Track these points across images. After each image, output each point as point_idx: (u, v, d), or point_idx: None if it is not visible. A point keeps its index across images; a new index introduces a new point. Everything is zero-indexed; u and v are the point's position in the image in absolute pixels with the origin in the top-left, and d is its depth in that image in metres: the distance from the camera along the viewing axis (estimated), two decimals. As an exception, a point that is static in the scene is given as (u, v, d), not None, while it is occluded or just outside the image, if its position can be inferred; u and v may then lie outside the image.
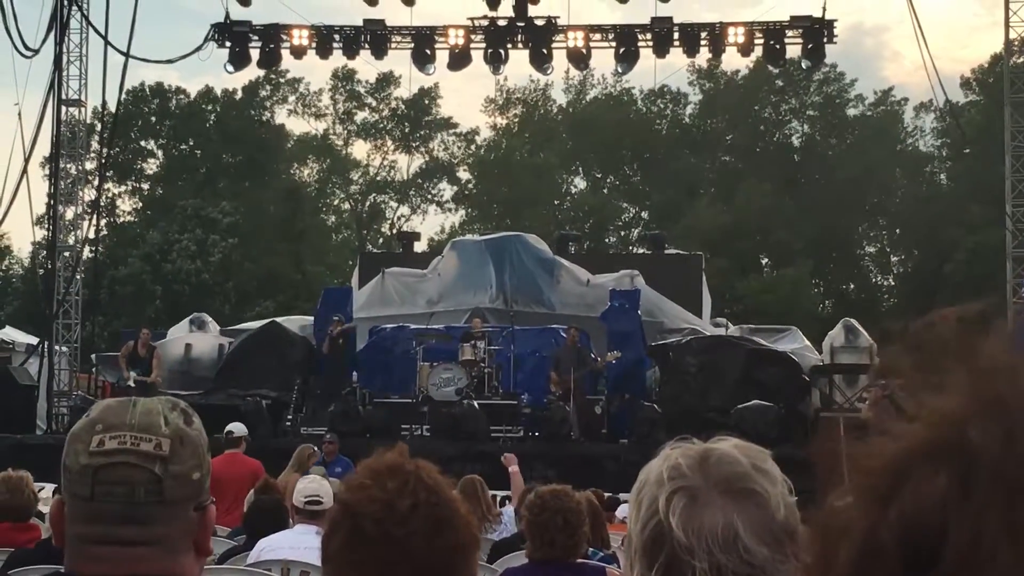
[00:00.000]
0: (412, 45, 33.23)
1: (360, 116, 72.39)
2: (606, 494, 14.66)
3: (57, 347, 30.65)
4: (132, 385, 25.89)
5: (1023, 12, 32.93)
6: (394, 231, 67.16)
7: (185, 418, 2.61)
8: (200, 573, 2.61)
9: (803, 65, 36.54)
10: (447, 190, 74.09)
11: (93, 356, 31.73)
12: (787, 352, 28.92)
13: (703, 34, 32.37)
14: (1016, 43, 33.77)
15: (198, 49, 33.06)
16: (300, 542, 8.59)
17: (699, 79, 69.18)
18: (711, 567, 2.16)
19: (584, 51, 32.89)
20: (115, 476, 2.47)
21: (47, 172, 41.75)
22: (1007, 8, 32.93)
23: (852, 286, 70.57)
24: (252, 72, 41.97)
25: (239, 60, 33.24)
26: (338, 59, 35.05)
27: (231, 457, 16.22)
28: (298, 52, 33.43)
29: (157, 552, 2.49)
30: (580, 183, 74.75)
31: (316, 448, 17.24)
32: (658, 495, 2.23)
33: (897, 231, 69.46)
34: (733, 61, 57.51)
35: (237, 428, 17.36)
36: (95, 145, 44.17)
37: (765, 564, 2.16)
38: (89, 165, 36.41)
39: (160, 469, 2.48)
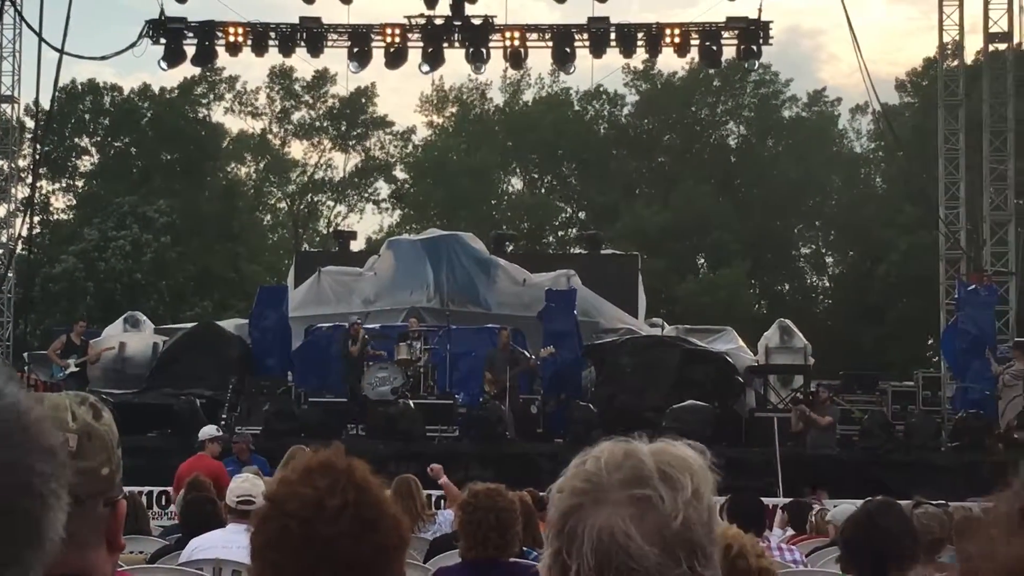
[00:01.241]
0: (348, 43, 33.13)
1: (297, 115, 72.11)
2: (541, 493, 14.66)
3: (-12, 345, 30.40)
4: (76, 370, 25.72)
5: (956, 16, 33.26)
6: (331, 230, 66.96)
7: (94, 413, 2.56)
8: (113, 568, 2.56)
9: (745, 66, 36.68)
10: (384, 189, 73.98)
11: (25, 355, 31.43)
12: (722, 352, 29.04)
13: (640, 35, 32.45)
14: (949, 47, 34.11)
15: (132, 46, 32.82)
16: (232, 541, 8.54)
17: (635, 80, 69.32)
18: (597, 565, 2.17)
19: (521, 51, 32.90)
20: None
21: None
22: (940, 12, 33.25)
23: (787, 287, 70.95)
24: (189, 70, 41.76)
25: (174, 57, 33.01)
26: (275, 57, 34.89)
27: (198, 459, 16.29)
28: (233, 49, 33.23)
29: (65, 548, 2.44)
30: (517, 183, 74.82)
31: (306, 448, 17.02)
32: (563, 490, 2.25)
33: (832, 232, 69.86)
34: (670, 62, 57.87)
35: (204, 432, 17.32)
36: (28, 142, 43.79)
37: (651, 569, 2.15)
38: (22, 162, 36.11)
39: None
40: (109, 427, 2.57)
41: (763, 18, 31.95)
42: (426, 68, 33.15)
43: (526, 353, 26.63)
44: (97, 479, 2.50)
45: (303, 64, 45.60)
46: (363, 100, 70.66)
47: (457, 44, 32.71)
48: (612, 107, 71.98)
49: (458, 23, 32.36)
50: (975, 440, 24.19)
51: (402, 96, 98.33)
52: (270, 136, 72.21)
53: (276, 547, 3.02)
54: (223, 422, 26.19)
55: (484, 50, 32.60)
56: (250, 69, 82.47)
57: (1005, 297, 30.83)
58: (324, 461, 3.14)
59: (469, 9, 32.31)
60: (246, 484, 9.34)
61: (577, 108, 72.11)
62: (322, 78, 67.93)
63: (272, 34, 33.19)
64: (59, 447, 1.48)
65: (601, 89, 67.16)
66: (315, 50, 33.30)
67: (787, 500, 17.91)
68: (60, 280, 54.89)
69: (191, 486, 11.59)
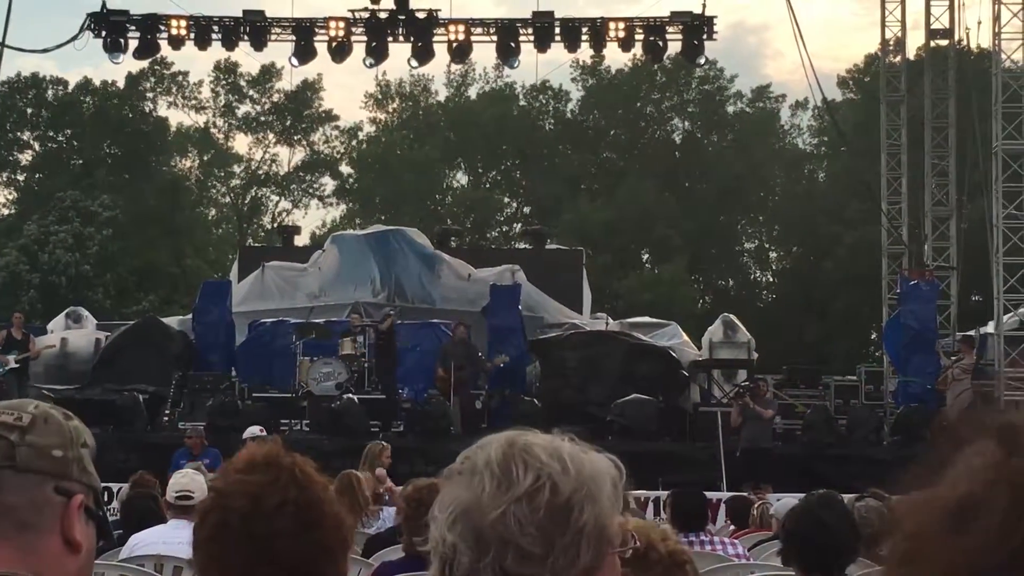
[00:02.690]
0: (292, 37, 32.99)
1: (242, 109, 71.82)
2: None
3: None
4: (16, 366, 25.45)
5: (898, 12, 33.48)
6: (275, 225, 66.75)
7: (64, 413, 2.57)
8: (80, 571, 2.52)
9: (685, 62, 36.78)
10: (328, 184, 73.77)
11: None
12: (666, 347, 29.13)
13: (584, 29, 32.47)
14: (891, 43, 34.30)
15: (74, 39, 32.53)
16: (173, 536, 8.49)
17: (582, 75, 69.38)
18: (442, 539, 2.24)
19: (465, 45, 32.86)
20: None
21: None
22: (883, 8, 33.45)
23: (731, 282, 71.20)
24: (134, 64, 41.49)
25: (115, 50, 32.75)
26: (218, 51, 34.70)
27: None
28: (176, 43, 33.03)
29: (7, 530, 2.41)
30: (462, 178, 74.78)
31: (385, 444, 16.76)
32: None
33: (776, 228, 70.21)
34: (617, 57, 57.94)
35: (249, 431, 17.21)
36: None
37: (459, 554, 2.20)
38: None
39: (16, 437, 2.43)
40: (76, 427, 2.57)
41: (707, 13, 32.04)
42: (370, 62, 33.04)
43: (480, 354, 26.56)
44: (47, 457, 2.46)
45: (248, 58, 45.35)
46: (308, 94, 70.43)
47: (402, 38, 32.63)
48: (557, 103, 72.03)
49: (402, 17, 32.28)
50: (916, 434, 24.35)
51: (348, 91, 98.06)
52: (213, 130, 71.88)
53: (217, 540, 3.01)
54: (166, 417, 26.12)
55: (428, 44, 32.54)
56: (196, 63, 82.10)
57: (947, 292, 31.05)
58: (268, 456, 3.12)
59: (413, 3, 32.23)
60: (184, 479, 9.30)
61: (522, 103, 72.10)
62: (267, 72, 67.63)
63: (215, 28, 32.99)
64: None
65: (546, 84, 67.17)
66: (259, 44, 33.12)
67: (731, 495, 18.02)
68: (1, 274, 54.47)
69: (133, 483, 11.53)
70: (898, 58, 34.73)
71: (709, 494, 13.03)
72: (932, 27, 32.84)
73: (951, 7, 32.49)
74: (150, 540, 8.78)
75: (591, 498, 2.22)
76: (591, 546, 2.21)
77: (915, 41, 36.30)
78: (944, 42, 33.17)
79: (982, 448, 1.50)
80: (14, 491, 2.42)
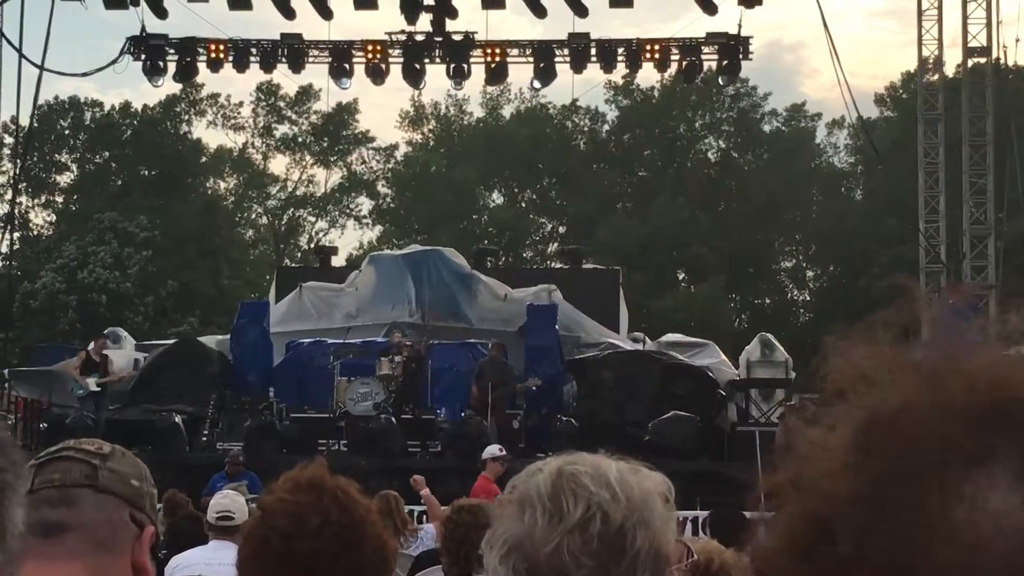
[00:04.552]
0: (329, 59, 33.14)
1: (280, 130, 72.11)
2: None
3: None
4: (96, 389, 25.48)
5: (935, 31, 33.38)
6: (312, 245, 66.90)
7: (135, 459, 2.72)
8: None
9: (720, 81, 36.74)
10: (365, 204, 73.98)
11: (6, 372, 31.29)
12: (704, 367, 29.04)
13: (620, 50, 32.50)
14: (929, 61, 34.22)
15: (113, 62, 32.77)
16: (215, 558, 8.52)
17: (615, 96, 69.40)
18: (495, 572, 2.24)
19: (502, 67, 32.92)
20: (54, 468, 2.56)
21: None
22: (919, 27, 33.37)
23: (768, 301, 71.01)
24: (172, 86, 41.68)
25: (155, 73, 32.97)
26: (256, 73, 34.86)
27: (483, 482, 15.93)
28: (215, 66, 33.24)
29: (84, 546, 2.49)
30: (497, 198, 74.83)
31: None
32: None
33: (812, 246, 69.99)
34: (649, 76, 57.91)
35: (488, 451, 17.16)
36: (7, 159, 43.77)
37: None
38: (1, 179, 36.03)
39: (98, 462, 2.58)
40: (146, 469, 2.72)
41: (743, 33, 32.05)
42: (409, 84, 33.20)
43: (516, 374, 26.52)
44: (126, 483, 2.61)
45: (288, 80, 45.54)
46: (345, 116, 70.67)
47: (438, 60, 32.73)
48: (591, 122, 72.07)
49: (439, 39, 32.37)
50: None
51: (384, 111, 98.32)
52: (251, 151, 72.20)
53: (259, 560, 3.04)
54: (204, 438, 26.17)
55: (465, 66, 32.62)
56: (233, 84, 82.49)
57: (985, 311, 30.86)
58: (312, 477, 3.15)
59: (450, 25, 32.33)
60: (225, 500, 9.33)
61: (557, 122, 72.14)
62: (306, 94, 67.86)
63: (253, 50, 33.18)
64: (10, 442, 1.51)
65: (576, 103, 67.25)
66: (296, 66, 33.30)
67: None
68: (40, 296, 54.77)
69: (167, 501, 11.58)
70: (935, 76, 34.65)
71: (748, 514, 13.00)
72: (969, 45, 32.76)
73: (988, 25, 32.41)
74: (192, 561, 8.82)
75: (643, 523, 2.22)
76: (647, 570, 2.21)
77: (953, 59, 36.26)
78: (982, 60, 33.08)
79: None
80: (94, 509, 2.54)
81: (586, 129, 72.63)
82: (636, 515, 2.23)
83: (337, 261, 43.55)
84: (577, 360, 28.97)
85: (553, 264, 62.43)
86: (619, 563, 2.19)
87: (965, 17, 32.70)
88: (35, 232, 67.48)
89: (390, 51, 32.75)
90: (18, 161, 38.53)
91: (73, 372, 26.09)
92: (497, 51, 32.56)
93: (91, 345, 26.88)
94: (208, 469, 20.83)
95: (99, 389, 25.55)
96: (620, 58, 32.53)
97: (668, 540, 2.27)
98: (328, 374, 26.67)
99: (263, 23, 36.85)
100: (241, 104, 70.65)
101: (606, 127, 71.99)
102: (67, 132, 67.01)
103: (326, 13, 32.54)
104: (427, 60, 32.76)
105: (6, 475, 1.50)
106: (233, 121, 70.95)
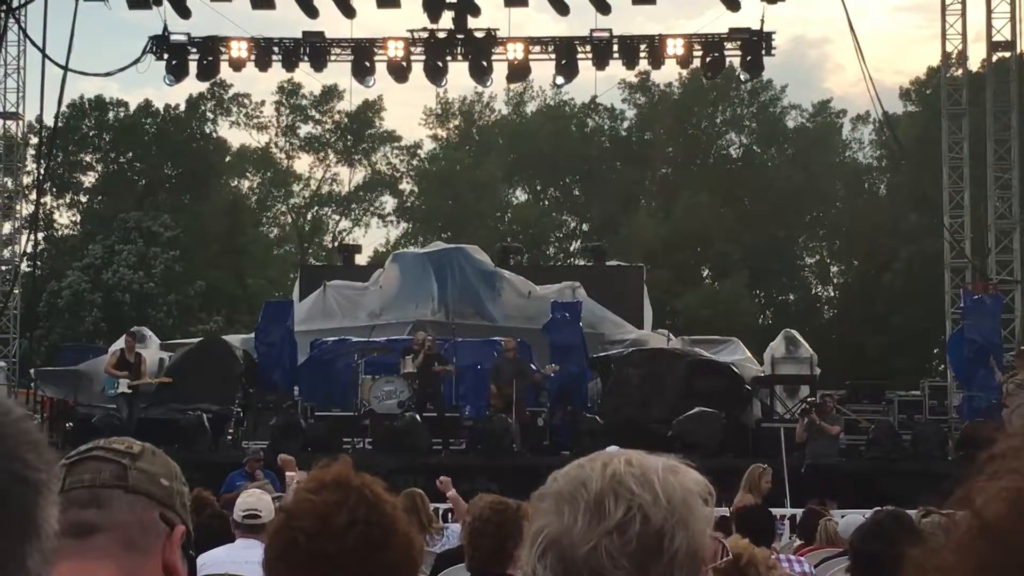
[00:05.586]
0: (352, 58, 33.15)
1: (304, 129, 72.18)
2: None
3: (-5, 363, 30.34)
4: (128, 391, 25.44)
5: (959, 26, 33.23)
6: (336, 244, 66.93)
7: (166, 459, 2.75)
8: None
9: (741, 77, 36.65)
10: (389, 203, 74.00)
11: (32, 371, 31.40)
12: (728, 363, 29.01)
13: (642, 46, 32.44)
14: (953, 55, 34.09)
15: (136, 62, 32.79)
16: (242, 556, 8.50)
17: (632, 93, 69.37)
18: (532, 569, 2.23)
19: (524, 63, 32.90)
20: (84, 468, 2.59)
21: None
22: (943, 22, 33.23)
23: (792, 297, 70.87)
24: (195, 85, 41.75)
25: (177, 72, 33.02)
26: (278, 71, 34.85)
27: None
28: (237, 65, 33.27)
29: (115, 547, 2.51)
30: (521, 195, 74.82)
31: (766, 467, 15.90)
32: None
33: (836, 242, 69.82)
34: (666, 74, 57.83)
35: (608, 451, 16.95)
36: (32, 159, 43.85)
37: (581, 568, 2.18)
38: (26, 179, 36.13)
39: (128, 462, 2.61)
40: (177, 469, 2.75)
41: (766, 28, 31.96)
42: (431, 82, 33.20)
43: (532, 365, 26.55)
44: (156, 483, 2.64)
45: (311, 79, 45.57)
46: (369, 114, 70.68)
47: (460, 57, 32.72)
48: (612, 120, 72.02)
49: (461, 36, 32.36)
50: (982, 449, 24.09)
51: (408, 108, 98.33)
52: (274, 149, 72.26)
53: (285, 560, 3.04)
54: (230, 437, 26.23)
55: (487, 63, 32.61)
56: (256, 84, 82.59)
57: (1011, 306, 30.79)
58: (338, 476, 3.14)
59: (472, 22, 32.31)
60: (251, 499, 9.35)
61: (579, 119, 72.08)
62: (329, 93, 67.86)
63: (275, 49, 33.21)
64: (44, 442, 1.53)
65: (596, 101, 67.16)
66: (319, 65, 33.32)
67: (793, 511, 17.89)
68: (65, 295, 54.93)
69: (194, 499, 11.57)
70: (960, 71, 34.51)
71: (773, 510, 12.95)
72: (994, 39, 32.59)
73: (1013, 19, 32.24)
74: (218, 560, 8.80)
75: (682, 523, 2.21)
76: (684, 570, 2.21)
77: (977, 54, 36.07)
78: (1006, 54, 32.93)
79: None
80: (125, 509, 2.57)
81: (606, 127, 72.55)
82: (676, 516, 2.22)
83: (361, 259, 43.63)
84: (602, 357, 29.00)
85: (577, 261, 62.47)
86: (656, 564, 2.18)
87: (989, 11, 32.55)
88: (60, 232, 67.66)
89: (412, 49, 32.75)
90: (42, 161, 38.60)
91: (111, 371, 25.91)
92: (519, 48, 32.52)
93: (121, 343, 26.82)
94: (234, 468, 20.87)
95: (130, 391, 25.50)
96: (642, 54, 32.47)
97: (705, 541, 2.27)
98: (352, 372, 26.70)
99: (286, 22, 36.93)
100: (263, 103, 70.77)
101: (626, 124, 71.95)
102: (91, 132, 67.13)
103: (349, 11, 32.57)
104: (449, 58, 32.76)
105: (40, 474, 1.52)
106: (256, 120, 71.06)
